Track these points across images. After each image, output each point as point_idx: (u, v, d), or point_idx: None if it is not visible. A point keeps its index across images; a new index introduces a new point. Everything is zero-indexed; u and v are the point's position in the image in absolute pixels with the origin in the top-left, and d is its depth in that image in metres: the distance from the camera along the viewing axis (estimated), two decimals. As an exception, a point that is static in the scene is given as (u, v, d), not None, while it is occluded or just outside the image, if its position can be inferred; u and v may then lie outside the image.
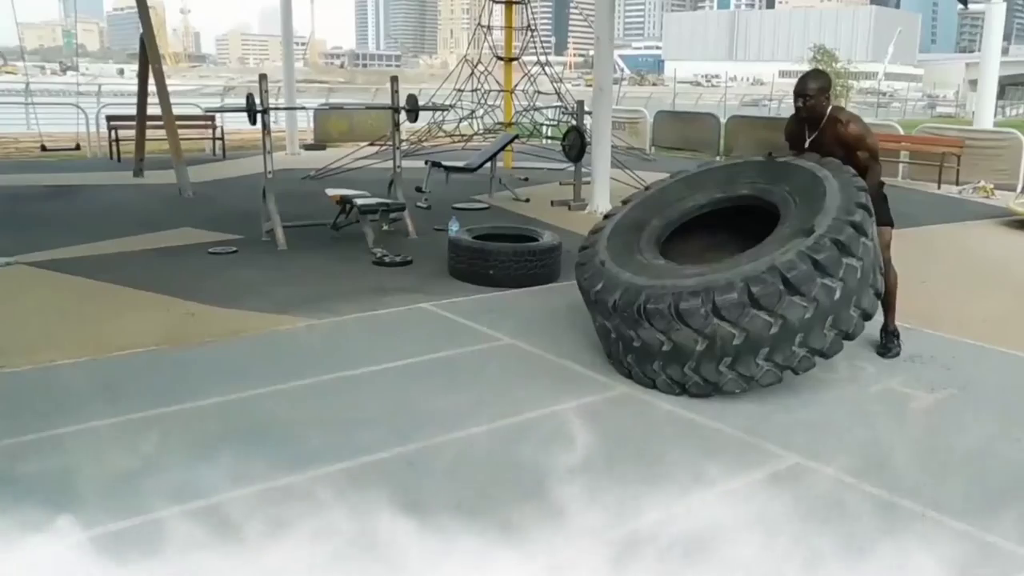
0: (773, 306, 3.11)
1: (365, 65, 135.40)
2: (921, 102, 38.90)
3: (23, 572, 2.14)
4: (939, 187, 10.43)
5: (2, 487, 2.53)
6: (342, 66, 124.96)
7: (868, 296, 3.35)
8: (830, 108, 3.91)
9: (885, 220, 3.91)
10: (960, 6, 15.19)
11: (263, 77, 6.39)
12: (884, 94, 41.13)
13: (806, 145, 3.92)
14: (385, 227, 6.41)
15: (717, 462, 2.78)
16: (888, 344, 4.03)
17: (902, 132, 11.96)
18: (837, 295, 3.17)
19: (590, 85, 10.03)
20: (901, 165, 11.37)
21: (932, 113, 32.97)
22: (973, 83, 21.85)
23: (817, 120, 3.87)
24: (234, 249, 6.15)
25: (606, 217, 4.12)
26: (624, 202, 4.21)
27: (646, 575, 2.20)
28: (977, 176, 10.32)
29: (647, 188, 4.30)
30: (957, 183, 10.41)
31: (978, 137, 11.07)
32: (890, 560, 2.25)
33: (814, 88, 3.85)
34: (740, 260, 3.29)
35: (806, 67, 26.34)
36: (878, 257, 3.50)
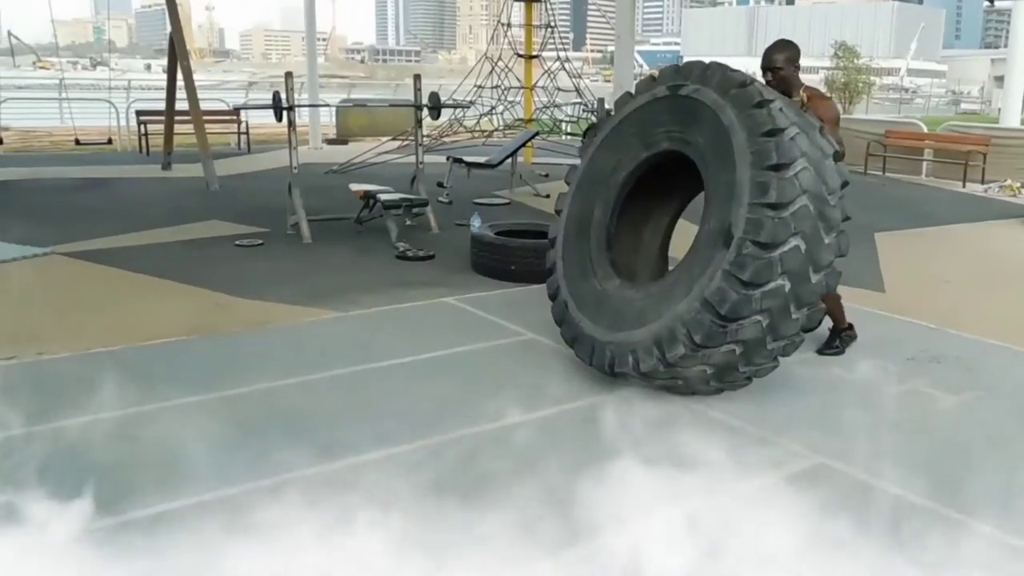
0: (722, 342, 2.98)
1: (385, 60, 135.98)
2: (945, 99, 38.27)
3: (49, 552, 2.21)
4: (964, 186, 10.30)
5: (40, 471, 2.60)
6: (362, 61, 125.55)
7: (826, 247, 3.03)
8: (803, 86, 3.69)
9: None
10: (987, 3, 14.95)
11: (289, 75, 6.48)
12: (907, 90, 40.52)
13: None
14: (408, 222, 6.48)
15: (739, 460, 2.78)
16: (831, 342, 3.95)
17: (926, 129, 11.80)
18: (787, 287, 2.95)
19: (608, 80, 10.02)
20: (925, 163, 11.24)
21: (956, 110, 32.44)
22: (999, 79, 21.44)
23: (787, 94, 3.54)
24: (260, 242, 6.25)
25: (558, 212, 3.89)
26: (567, 181, 3.94)
27: (669, 568, 2.21)
28: (1003, 175, 10.19)
29: (580, 153, 3.98)
30: (983, 181, 10.27)
31: (1004, 135, 10.91)
32: (909, 561, 2.25)
33: (782, 59, 3.63)
34: (674, 292, 3.09)
35: (827, 63, 26.03)
36: (824, 178, 3.02)
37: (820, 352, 3.94)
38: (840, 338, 3.97)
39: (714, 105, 3.14)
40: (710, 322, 2.93)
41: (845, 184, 3.14)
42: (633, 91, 3.71)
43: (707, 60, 3.43)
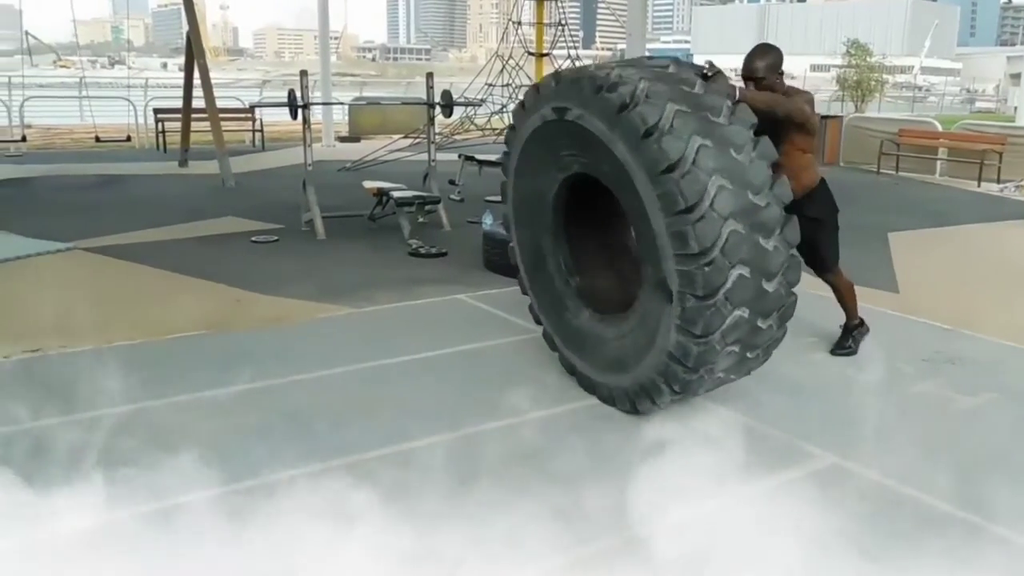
0: (699, 387, 2.99)
1: (396, 59, 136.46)
2: (959, 97, 37.85)
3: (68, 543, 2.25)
4: (979, 185, 10.22)
5: (59, 462, 2.63)
6: (374, 59, 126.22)
7: (772, 254, 2.79)
8: (785, 88, 3.52)
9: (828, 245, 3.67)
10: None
11: (304, 73, 6.53)
12: (921, 88, 40.14)
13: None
14: (420, 219, 6.53)
15: (752, 460, 2.78)
16: (843, 342, 3.95)
17: (940, 128, 11.72)
18: (746, 314, 2.82)
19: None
20: (939, 163, 11.16)
21: (971, 108, 32.10)
22: (1015, 77, 21.18)
23: None
24: (275, 238, 6.32)
25: (509, 243, 3.78)
26: (502, 197, 3.77)
27: (680, 569, 2.23)
28: (1019, 174, 10.10)
29: (503, 171, 3.74)
30: (998, 181, 10.19)
31: (1020, 134, 10.82)
32: (921, 563, 2.24)
33: (763, 67, 3.43)
34: (641, 336, 3.01)
35: (838, 61, 25.80)
36: (746, 179, 2.73)
37: (833, 352, 3.94)
38: (852, 337, 3.96)
39: (603, 136, 2.87)
40: (683, 372, 2.89)
41: (754, 127, 2.81)
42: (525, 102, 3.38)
43: (580, 64, 3.20)
